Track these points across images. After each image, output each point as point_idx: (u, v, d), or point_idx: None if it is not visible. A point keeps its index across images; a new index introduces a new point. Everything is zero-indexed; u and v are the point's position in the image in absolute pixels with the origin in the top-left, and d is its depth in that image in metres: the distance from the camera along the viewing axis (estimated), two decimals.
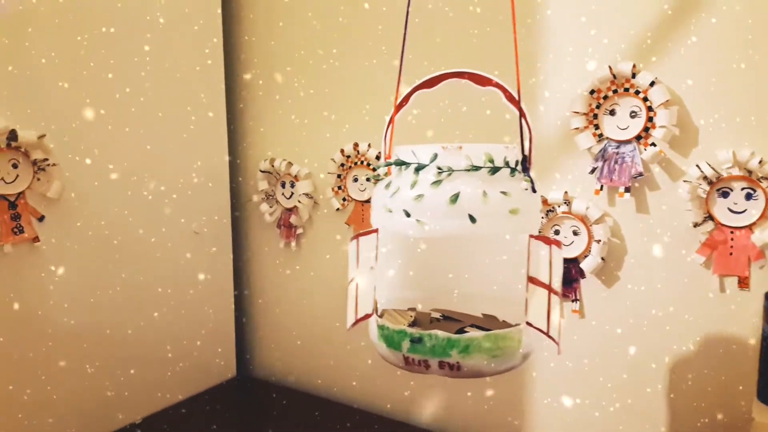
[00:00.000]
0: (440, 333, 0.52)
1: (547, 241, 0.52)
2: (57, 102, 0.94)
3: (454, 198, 0.51)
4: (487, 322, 0.66)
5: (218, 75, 1.23)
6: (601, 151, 0.88)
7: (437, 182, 0.52)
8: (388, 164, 0.57)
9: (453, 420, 1.09)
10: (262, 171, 1.25)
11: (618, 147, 0.87)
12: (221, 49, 1.23)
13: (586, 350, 0.93)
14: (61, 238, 0.96)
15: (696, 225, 0.83)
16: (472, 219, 0.51)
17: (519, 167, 0.57)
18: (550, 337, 0.50)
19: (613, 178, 0.87)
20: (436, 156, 0.53)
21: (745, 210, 0.80)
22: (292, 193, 1.23)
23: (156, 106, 1.10)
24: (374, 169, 1.10)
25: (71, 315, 0.98)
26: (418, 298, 0.71)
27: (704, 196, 0.81)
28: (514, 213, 0.53)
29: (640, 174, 0.85)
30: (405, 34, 0.63)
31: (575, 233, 0.91)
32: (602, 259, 0.89)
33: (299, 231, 1.24)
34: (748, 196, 0.79)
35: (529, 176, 0.58)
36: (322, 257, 1.22)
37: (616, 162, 0.87)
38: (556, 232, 0.93)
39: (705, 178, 0.81)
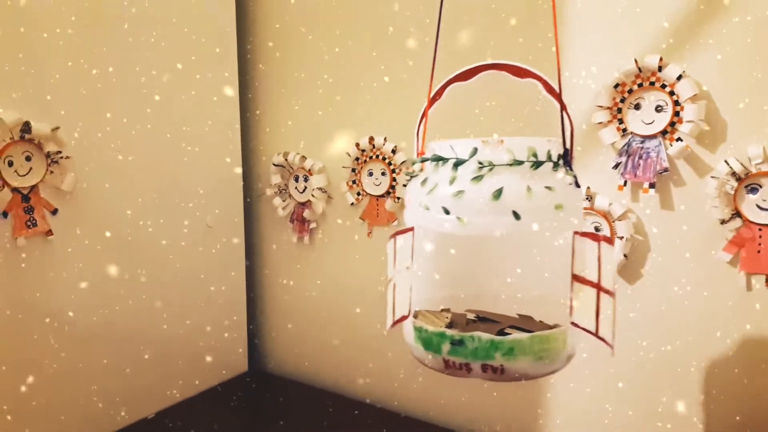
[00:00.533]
0: (483, 335, 0.49)
1: (596, 238, 0.48)
2: (71, 95, 0.90)
3: (497, 194, 0.47)
4: (524, 323, 0.63)
5: (232, 68, 1.19)
6: (625, 145, 0.85)
7: (478, 177, 0.49)
8: (424, 160, 0.53)
9: (465, 416, 1.06)
10: (275, 165, 1.21)
11: (643, 142, 0.84)
12: (235, 43, 1.19)
13: (606, 348, 0.90)
14: (74, 231, 0.92)
15: (723, 222, 0.79)
16: (517, 215, 0.47)
17: (561, 161, 0.54)
18: (600, 338, 0.47)
19: (638, 173, 0.84)
20: (476, 150, 0.50)
21: None
22: (306, 187, 1.19)
23: (169, 101, 1.05)
24: (389, 164, 1.06)
25: (83, 309, 0.94)
26: (451, 298, 0.67)
27: (732, 192, 0.78)
28: (559, 209, 0.50)
29: (666, 170, 0.81)
30: (439, 23, 0.59)
31: (597, 230, 0.88)
32: (625, 256, 0.86)
33: (312, 225, 1.20)
34: None
35: (572, 170, 0.54)
36: (336, 252, 1.18)
37: (640, 157, 0.84)
38: None
39: (733, 173, 0.77)
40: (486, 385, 1.02)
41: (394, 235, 0.49)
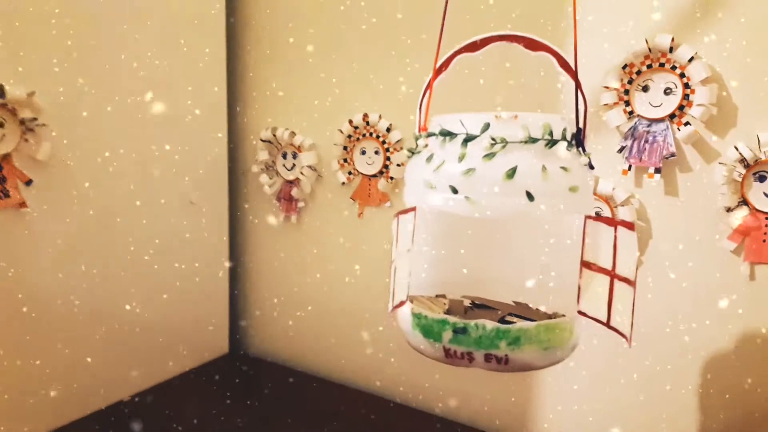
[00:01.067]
0: (488, 322, 0.46)
1: (612, 223, 0.46)
2: (50, 61, 0.85)
3: (511, 173, 0.45)
4: (521, 311, 0.60)
5: (219, 36, 1.14)
6: (631, 129, 0.82)
7: (490, 155, 0.46)
8: (430, 134, 0.50)
9: (447, 402, 1.04)
10: (263, 140, 1.17)
11: (649, 125, 0.81)
12: (223, 9, 1.14)
13: (606, 339, 0.88)
14: (50, 204, 0.88)
15: (729, 210, 0.77)
16: (530, 197, 0.45)
17: (574, 141, 0.51)
18: (612, 328, 0.45)
19: (643, 158, 0.81)
20: (488, 126, 0.47)
21: None
22: (294, 165, 1.15)
23: (151, 68, 1.01)
24: (383, 143, 1.03)
25: (58, 286, 0.90)
26: (445, 283, 0.65)
27: (740, 179, 0.76)
28: (574, 191, 0.47)
29: (673, 154, 0.79)
30: None
31: (598, 215, 0.86)
32: None
33: (300, 205, 1.17)
34: None
35: (586, 151, 0.51)
36: (325, 233, 1.15)
37: (646, 141, 0.81)
38: None
39: (742, 160, 0.75)
40: (482, 379, 1.01)
41: (398, 215, 0.46)
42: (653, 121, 0.81)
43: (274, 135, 1.16)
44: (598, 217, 0.48)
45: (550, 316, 0.59)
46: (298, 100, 1.14)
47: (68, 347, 0.93)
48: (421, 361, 1.07)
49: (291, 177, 1.16)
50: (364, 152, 1.06)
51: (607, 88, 0.82)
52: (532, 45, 0.54)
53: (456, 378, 1.03)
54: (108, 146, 0.95)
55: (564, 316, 0.58)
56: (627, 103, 0.82)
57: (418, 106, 0.57)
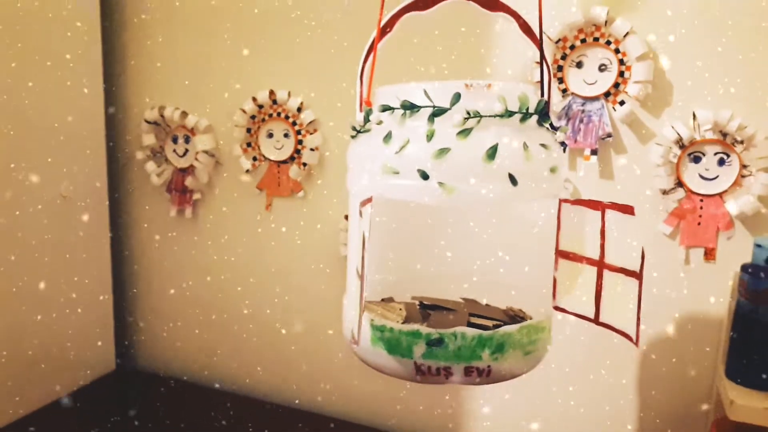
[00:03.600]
0: (467, 330, 0.41)
1: (598, 206, 0.41)
2: None
3: (492, 152, 0.39)
4: (476, 308, 0.56)
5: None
6: (564, 108, 0.80)
7: (465, 131, 0.40)
8: (386, 108, 0.43)
9: (344, 407, 1.01)
10: (148, 122, 1.04)
11: (584, 104, 0.80)
12: None
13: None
14: None
15: (665, 192, 0.78)
16: (513, 180, 0.39)
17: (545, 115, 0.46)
18: (604, 325, 0.41)
19: (578, 138, 0.80)
20: (459, 97, 0.41)
21: (717, 176, 0.76)
22: (187, 150, 1.04)
23: (16, 37, 0.85)
24: (294, 124, 0.94)
25: None
26: (389, 283, 0.59)
27: (675, 160, 0.76)
28: (554, 172, 0.42)
29: (609, 135, 0.78)
30: None
31: None
32: None
33: (196, 196, 1.05)
34: (721, 162, 0.75)
35: (553, 126, 0.47)
36: (225, 229, 1.05)
37: (581, 121, 0.80)
38: None
39: (677, 141, 0.76)
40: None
41: (363, 205, 0.39)
42: (588, 99, 0.79)
43: (162, 115, 1.03)
44: (579, 200, 0.44)
45: (505, 311, 0.55)
46: (191, 74, 1.03)
47: None
48: (326, 366, 1.01)
49: (184, 164, 1.04)
50: (271, 135, 0.97)
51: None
52: (490, 4, 0.49)
53: (379, 384, 0.98)
54: None
55: (521, 310, 0.54)
56: (560, 80, 0.80)
57: (359, 74, 0.50)
